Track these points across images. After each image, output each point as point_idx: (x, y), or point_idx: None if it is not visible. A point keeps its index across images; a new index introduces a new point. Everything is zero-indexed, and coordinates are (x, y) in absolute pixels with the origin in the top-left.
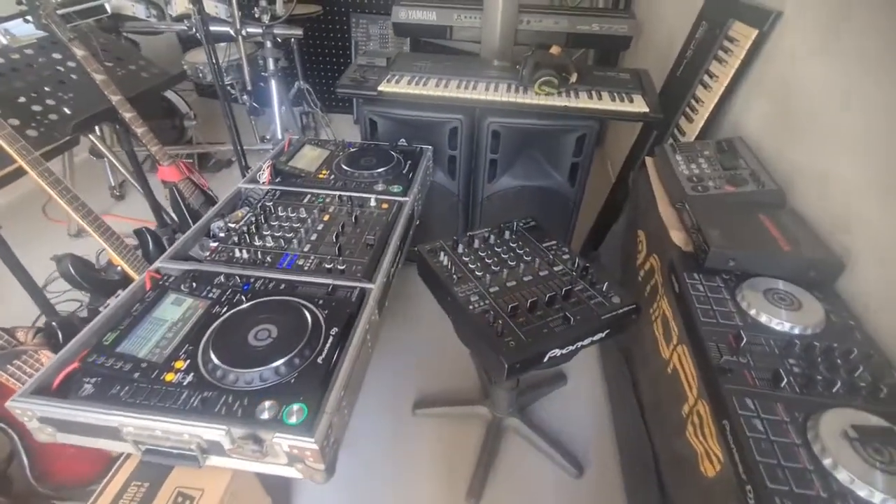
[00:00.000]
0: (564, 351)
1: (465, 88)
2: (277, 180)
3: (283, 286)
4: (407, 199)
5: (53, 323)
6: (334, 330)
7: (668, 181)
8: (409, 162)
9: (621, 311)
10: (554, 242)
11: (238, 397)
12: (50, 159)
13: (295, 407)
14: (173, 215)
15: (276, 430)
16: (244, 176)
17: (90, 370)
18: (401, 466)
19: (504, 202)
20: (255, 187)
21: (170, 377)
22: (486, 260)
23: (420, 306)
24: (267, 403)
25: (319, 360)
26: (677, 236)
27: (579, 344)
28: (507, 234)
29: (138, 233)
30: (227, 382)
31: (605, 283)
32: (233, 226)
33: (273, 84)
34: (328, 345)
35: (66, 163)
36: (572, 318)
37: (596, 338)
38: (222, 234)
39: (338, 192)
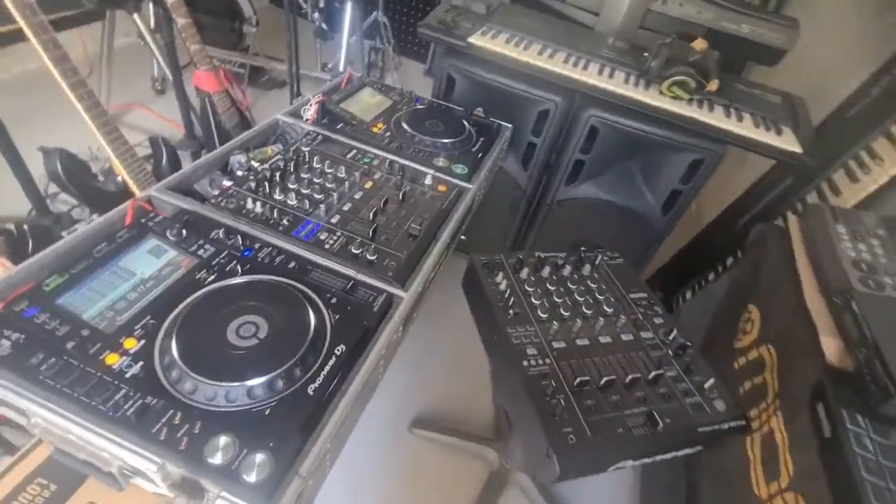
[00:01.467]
0: (638, 463)
1: (573, 65)
2: (324, 121)
3: (292, 264)
4: (470, 186)
5: (25, 227)
6: (341, 348)
7: (821, 257)
8: (483, 139)
9: (726, 425)
10: (644, 295)
11: (189, 417)
12: (63, 29)
13: (258, 458)
14: (200, 131)
15: (226, 485)
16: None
17: (13, 321)
18: (384, 490)
19: (576, 213)
20: (295, 123)
21: (112, 360)
22: (556, 298)
23: (446, 302)
24: (222, 440)
25: (311, 389)
26: (830, 345)
27: (660, 457)
28: (586, 268)
29: (153, 142)
30: (183, 390)
31: (709, 378)
32: (256, 165)
33: (349, 8)
34: (328, 368)
35: (104, 42)
36: (660, 421)
37: (682, 453)
38: (240, 173)
39: (390, 156)
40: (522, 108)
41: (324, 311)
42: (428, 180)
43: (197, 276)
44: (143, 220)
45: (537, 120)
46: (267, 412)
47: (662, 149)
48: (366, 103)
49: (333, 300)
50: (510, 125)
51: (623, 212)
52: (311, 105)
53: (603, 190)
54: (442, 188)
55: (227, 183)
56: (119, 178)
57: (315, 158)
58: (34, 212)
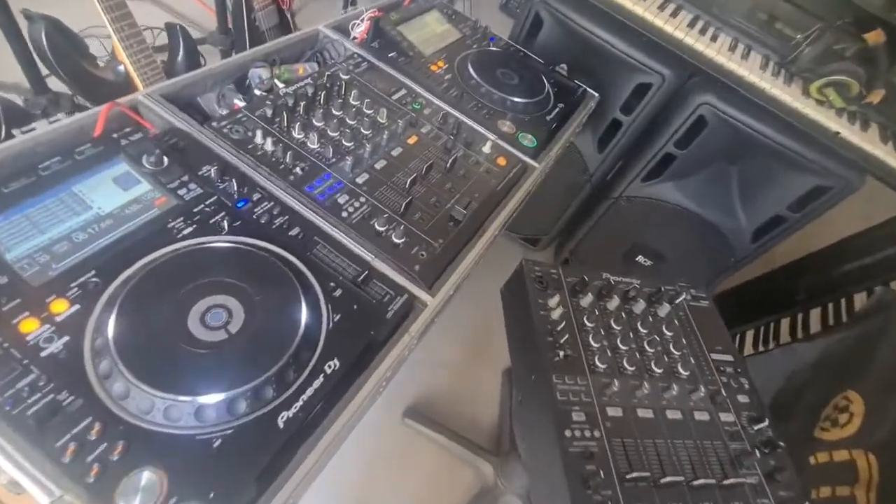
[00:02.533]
0: None
1: (699, 32)
2: (374, 44)
3: (296, 230)
4: (537, 165)
5: None
6: (333, 365)
7: None
8: (561, 106)
9: None
10: (730, 359)
11: (111, 433)
12: None
13: None
14: (231, 26)
15: None
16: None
17: None
18: (366, 478)
19: (644, 215)
20: (340, 40)
21: (29, 326)
22: (620, 343)
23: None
24: (145, 478)
25: (282, 419)
26: None
27: None
28: (663, 308)
29: (169, 29)
30: (111, 391)
31: (794, 486)
32: (279, 85)
33: None
34: (311, 392)
35: None
36: None
37: None
38: (258, 93)
39: (446, 107)
40: (618, 75)
41: (322, 306)
42: (486, 148)
43: (169, 225)
44: (116, 136)
45: (633, 94)
46: (217, 443)
47: (780, 162)
48: (429, 31)
49: (338, 292)
50: (596, 94)
51: (702, 226)
52: (362, 20)
53: (685, 195)
54: (501, 161)
55: (238, 103)
56: (121, 68)
57: (353, 92)
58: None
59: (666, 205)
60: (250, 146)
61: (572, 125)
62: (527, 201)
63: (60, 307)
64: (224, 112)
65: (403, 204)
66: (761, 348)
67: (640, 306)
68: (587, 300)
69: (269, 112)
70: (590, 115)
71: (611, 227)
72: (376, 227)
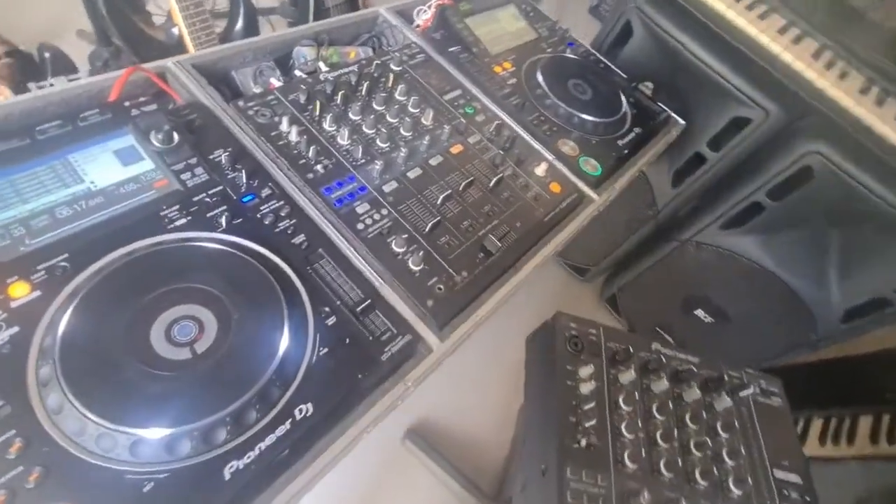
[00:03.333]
0: None
1: (824, 66)
2: (436, 35)
3: (300, 238)
4: (596, 197)
5: (47, 54)
6: (306, 409)
7: None
8: (638, 130)
9: None
10: (797, 481)
11: (33, 453)
12: None
13: None
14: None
15: None
16: None
17: None
18: (358, 495)
19: (714, 266)
20: (400, 25)
21: None
22: (661, 440)
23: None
24: None
25: (229, 470)
26: None
27: None
28: (722, 401)
29: None
30: (47, 403)
31: None
32: (323, 69)
33: None
34: (272, 439)
35: None
36: None
37: None
38: (298, 74)
39: (503, 115)
40: (711, 102)
41: (309, 334)
42: (540, 169)
43: (162, 213)
44: (128, 104)
45: (726, 127)
46: (147, 487)
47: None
48: (500, 27)
49: (331, 320)
50: (682, 121)
51: (782, 291)
52: (429, 6)
53: (768, 253)
54: (554, 187)
55: (275, 83)
56: (175, 30)
57: (400, 86)
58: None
59: (742, 260)
60: (273, 133)
61: (647, 154)
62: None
63: (20, 291)
64: (256, 90)
65: (430, 224)
66: (829, 445)
67: (693, 394)
68: (628, 376)
69: (302, 98)
70: (670, 145)
71: (671, 272)
72: (393, 247)
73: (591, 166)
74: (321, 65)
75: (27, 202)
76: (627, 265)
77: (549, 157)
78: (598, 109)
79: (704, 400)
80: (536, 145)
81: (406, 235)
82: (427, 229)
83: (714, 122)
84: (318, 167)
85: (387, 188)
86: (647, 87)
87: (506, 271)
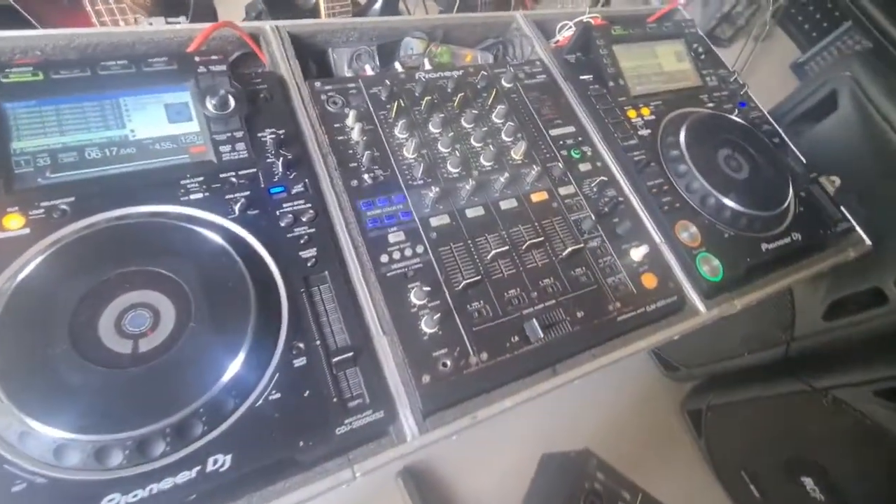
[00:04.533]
0: None
1: None
2: (569, 56)
3: (311, 252)
4: (703, 310)
5: None
6: (222, 461)
7: None
8: (798, 237)
9: None
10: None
11: None
12: None
13: None
14: None
15: None
16: None
17: None
18: None
19: (843, 434)
20: (532, 36)
21: None
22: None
23: None
24: None
25: (107, 502)
26: None
27: None
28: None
29: None
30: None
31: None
32: (426, 66)
33: None
34: (164, 485)
35: None
36: None
37: None
38: (397, 67)
39: (615, 170)
40: None
41: (269, 369)
42: (637, 252)
43: (183, 181)
44: (198, 59)
45: None
46: (16, 488)
47: None
48: (654, 63)
49: (300, 361)
50: (868, 241)
51: None
52: (571, 24)
53: None
54: (649, 280)
55: (369, 71)
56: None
57: (500, 107)
58: None
59: (891, 438)
60: (337, 125)
61: (800, 272)
62: None
63: (14, 223)
64: (348, 74)
65: (467, 280)
66: None
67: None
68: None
69: (384, 94)
70: (839, 267)
71: (786, 418)
72: (412, 296)
73: (711, 268)
74: (425, 61)
75: (64, 134)
76: (729, 384)
77: (657, 238)
78: (749, 196)
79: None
80: (646, 220)
81: (432, 286)
82: (461, 286)
83: None
84: (367, 176)
85: (435, 221)
86: (832, 183)
87: (538, 370)
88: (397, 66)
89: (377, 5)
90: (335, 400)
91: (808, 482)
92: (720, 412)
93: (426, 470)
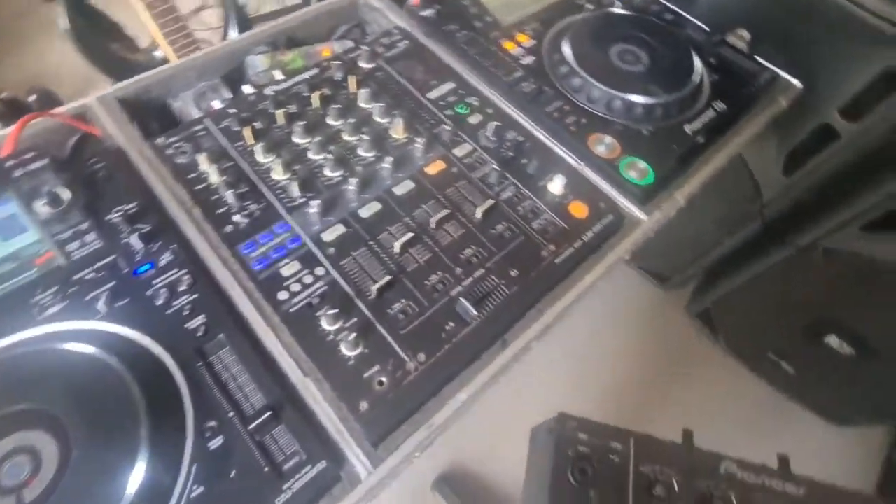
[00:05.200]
0: None
1: None
2: (426, 12)
3: (198, 321)
4: (643, 216)
5: (32, 98)
6: None
7: None
8: (722, 107)
9: None
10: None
11: None
12: None
13: None
14: None
15: None
16: None
17: None
18: None
19: (853, 280)
20: (384, 8)
21: None
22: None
23: None
24: None
25: None
26: None
27: None
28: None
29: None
30: None
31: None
32: (278, 78)
33: None
34: None
35: None
36: None
37: None
38: (247, 91)
39: (509, 110)
40: (848, 50)
41: (184, 465)
42: (555, 185)
43: (34, 299)
44: (12, 163)
45: (872, 86)
46: None
47: None
48: None
49: (216, 442)
50: (797, 82)
51: None
52: None
53: None
54: (577, 209)
55: (217, 104)
56: (158, 53)
57: (363, 91)
58: None
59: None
60: (192, 176)
61: (737, 139)
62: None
63: None
64: (197, 114)
65: (377, 285)
66: None
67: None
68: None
69: (234, 125)
70: (778, 118)
71: (788, 286)
72: (323, 323)
73: (639, 172)
74: (276, 74)
75: None
76: (723, 274)
77: (574, 163)
78: (654, 84)
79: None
80: (556, 148)
81: (342, 305)
82: (373, 293)
83: (851, 80)
84: (240, 216)
85: (328, 235)
86: (742, 38)
87: (486, 349)
88: (247, 89)
89: (233, 31)
90: (267, 469)
91: (833, 340)
92: (725, 304)
93: (461, 473)
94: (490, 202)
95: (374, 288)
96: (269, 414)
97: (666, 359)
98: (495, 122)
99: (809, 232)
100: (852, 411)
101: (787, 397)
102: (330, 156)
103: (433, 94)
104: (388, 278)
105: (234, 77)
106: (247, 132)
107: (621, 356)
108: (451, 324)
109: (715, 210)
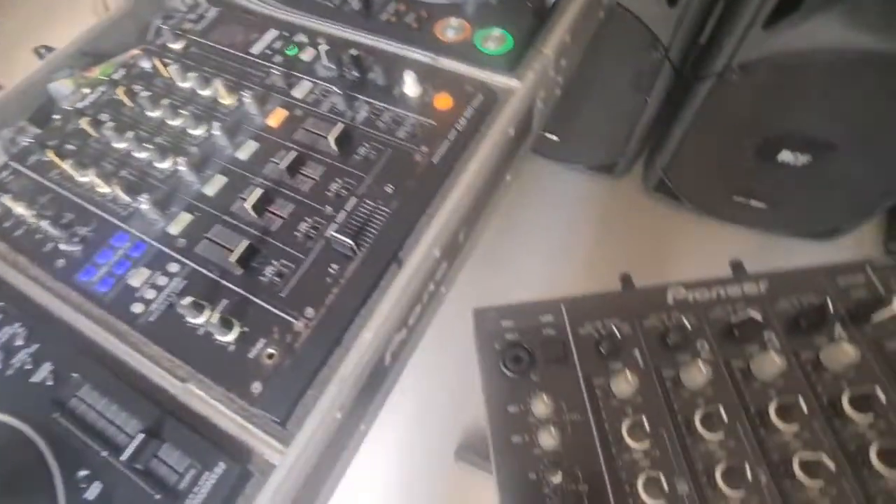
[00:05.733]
0: None
1: None
2: None
3: (43, 372)
4: (516, 83)
5: None
6: None
7: None
8: None
9: None
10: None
11: None
12: None
13: None
14: None
15: None
16: None
17: None
18: None
19: (780, 85)
20: None
21: None
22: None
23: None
24: None
25: None
26: None
27: None
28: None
29: None
30: None
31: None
32: (86, 93)
33: None
34: None
35: None
36: None
37: None
38: (57, 118)
39: (342, 32)
40: None
41: None
42: (409, 87)
43: None
44: None
45: None
46: None
47: None
48: None
49: (94, 490)
50: None
51: None
52: None
53: (856, 26)
54: (442, 102)
55: (26, 141)
56: None
57: (175, 68)
58: None
59: (819, 56)
60: (6, 224)
61: None
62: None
63: None
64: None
65: (237, 255)
66: None
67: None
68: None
69: (42, 156)
70: None
71: (723, 119)
72: (190, 320)
73: (496, 40)
74: (85, 91)
75: None
76: (662, 136)
77: (426, 58)
78: None
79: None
80: (401, 50)
81: (206, 293)
82: (237, 264)
83: None
84: (68, 245)
85: (174, 228)
86: None
87: (380, 278)
88: (55, 116)
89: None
90: (159, 497)
91: (786, 156)
92: (676, 165)
93: (479, 436)
94: (339, 128)
95: (232, 259)
96: (142, 439)
97: (644, 241)
98: (326, 47)
99: (718, 55)
100: (835, 219)
101: (769, 232)
102: (156, 146)
103: (256, 49)
104: (244, 245)
105: (50, 110)
106: (51, 156)
107: (598, 255)
108: (335, 266)
109: (625, 74)
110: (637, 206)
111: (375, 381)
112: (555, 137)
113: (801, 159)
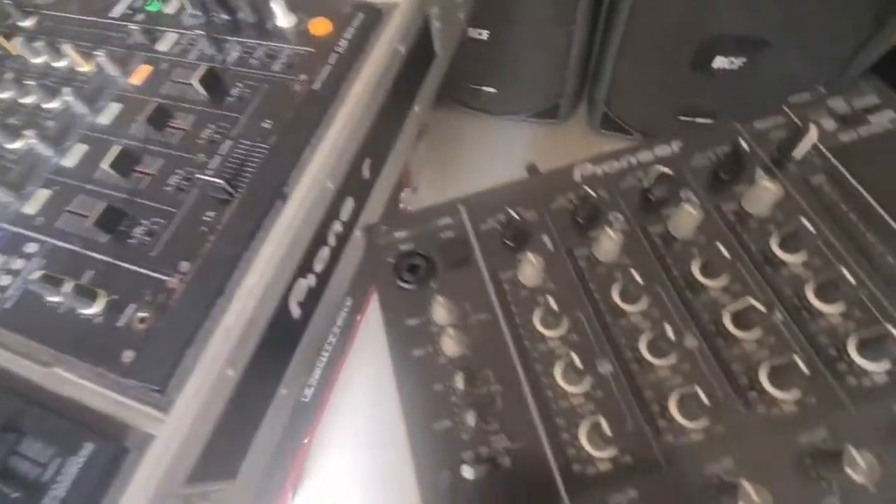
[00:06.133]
0: None
1: None
2: None
3: None
4: None
5: None
6: None
7: None
8: None
9: None
10: None
11: None
12: None
13: None
14: None
15: None
16: None
17: None
18: None
19: None
20: None
21: None
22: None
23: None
24: None
25: None
26: None
27: None
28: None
29: None
30: None
31: None
32: None
33: None
34: None
35: None
36: None
37: None
38: None
39: None
40: None
41: None
42: (281, 18)
43: None
44: None
45: None
46: None
47: None
48: None
49: None
50: None
51: None
52: None
53: None
54: (319, 27)
55: None
56: None
57: (22, 43)
58: None
59: None
60: None
61: None
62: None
63: None
64: None
65: (90, 220)
66: None
67: None
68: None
69: None
70: None
71: (650, 36)
72: (50, 298)
73: None
74: None
75: None
76: (597, 69)
77: None
78: None
79: None
80: None
81: (67, 267)
82: (96, 230)
83: None
84: None
85: (30, 208)
86: None
87: (265, 214)
88: None
89: None
90: (17, 496)
91: (721, 61)
92: (615, 95)
93: None
94: (202, 69)
95: (88, 224)
96: None
97: None
98: None
99: None
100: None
101: None
102: (4, 129)
103: (116, 11)
104: (101, 208)
105: None
106: None
107: None
108: (210, 213)
109: (545, 8)
110: (586, 146)
111: (285, 336)
112: (492, 90)
113: (737, 62)
